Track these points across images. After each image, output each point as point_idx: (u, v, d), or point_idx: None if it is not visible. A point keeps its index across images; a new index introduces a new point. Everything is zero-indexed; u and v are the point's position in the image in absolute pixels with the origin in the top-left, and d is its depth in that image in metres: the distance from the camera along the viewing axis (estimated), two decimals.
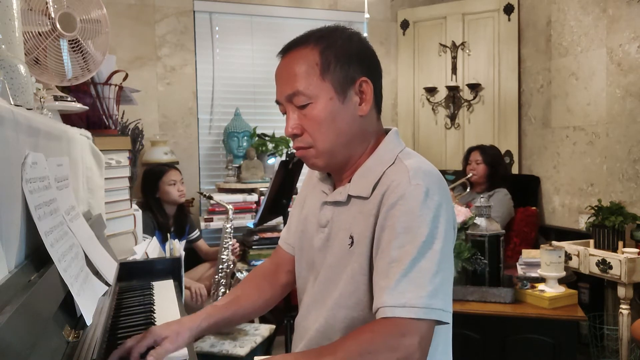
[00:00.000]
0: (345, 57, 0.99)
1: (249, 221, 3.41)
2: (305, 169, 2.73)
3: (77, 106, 1.73)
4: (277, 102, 1.04)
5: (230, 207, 2.79)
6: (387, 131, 1.09)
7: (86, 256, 1.08)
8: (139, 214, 2.20)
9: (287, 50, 1.03)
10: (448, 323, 0.91)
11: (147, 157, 3.35)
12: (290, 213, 1.27)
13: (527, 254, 2.47)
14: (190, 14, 3.67)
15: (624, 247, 2.58)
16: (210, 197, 2.91)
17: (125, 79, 2.36)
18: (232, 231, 2.80)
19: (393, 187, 0.95)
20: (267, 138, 3.64)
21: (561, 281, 2.22)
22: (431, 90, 4.02)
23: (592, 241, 2.75)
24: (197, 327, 1.04)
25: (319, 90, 0.98)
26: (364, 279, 0.98)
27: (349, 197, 1.03)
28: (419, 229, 0.90)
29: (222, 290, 2.70)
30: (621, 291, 2.53)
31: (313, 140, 1.01)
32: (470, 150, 3.39)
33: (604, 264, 2.56)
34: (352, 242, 1.00)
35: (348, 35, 1.02)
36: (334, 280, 1.03)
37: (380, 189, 0.98)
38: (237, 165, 3.61)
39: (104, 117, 2.11)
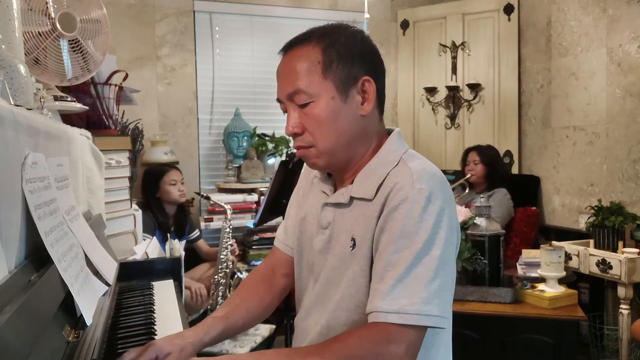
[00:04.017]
0: (347, 55, 0.97)
1: (249, 221, 3.41)
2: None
3: (77, 106, 1.73)
4: (278, 100, 1.03)
5: (228, 207, 2.78)
6: (389, 132, 1.07)
7: (86, 256, 1.08)
8: (139, 214, 2.20)
9: (289, 48, 1.01)
10: (444, 328, 0.91)
11: (147, 157, 3.35)
12: (286, 213, 1.25)
13: (527, 254, 2.47)
14: (190, 14, 3.67)
15: (624, 247, 2.58)
16: (208, 198, 2.91)
17: (125, 79, 2.37)
18: (231, 231, 2.80)
19: (396, 190, 0.94)
20: (267, 138, 3.64)
21: (561, 281, 2.22)
22: (431, 90, 4.02)
23: (592, 241, 2.75)
24: (199, 341, 1.01)
25: (321, 88, 0.96)
26: (365, 281, 0.97)
27: (352, 198, 1.02)
28: (417, 235, 0.90)
29: (222, 290, 2.70)
30: (621, 291, 2.53)
31: (314, 139, 0.99)
32: (468, 150, 3.38)
33: (604, 264, 2.56)
34: (354, 245, 0.99)
35: (351, 33, 1.00)
36: (335, 283, 1.03)
37: (383, 191, 0.96)
38: (237, 165, 3.62)
39: (104, 117, 2.11)
